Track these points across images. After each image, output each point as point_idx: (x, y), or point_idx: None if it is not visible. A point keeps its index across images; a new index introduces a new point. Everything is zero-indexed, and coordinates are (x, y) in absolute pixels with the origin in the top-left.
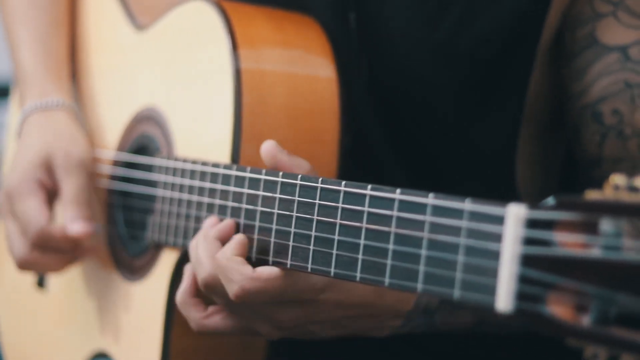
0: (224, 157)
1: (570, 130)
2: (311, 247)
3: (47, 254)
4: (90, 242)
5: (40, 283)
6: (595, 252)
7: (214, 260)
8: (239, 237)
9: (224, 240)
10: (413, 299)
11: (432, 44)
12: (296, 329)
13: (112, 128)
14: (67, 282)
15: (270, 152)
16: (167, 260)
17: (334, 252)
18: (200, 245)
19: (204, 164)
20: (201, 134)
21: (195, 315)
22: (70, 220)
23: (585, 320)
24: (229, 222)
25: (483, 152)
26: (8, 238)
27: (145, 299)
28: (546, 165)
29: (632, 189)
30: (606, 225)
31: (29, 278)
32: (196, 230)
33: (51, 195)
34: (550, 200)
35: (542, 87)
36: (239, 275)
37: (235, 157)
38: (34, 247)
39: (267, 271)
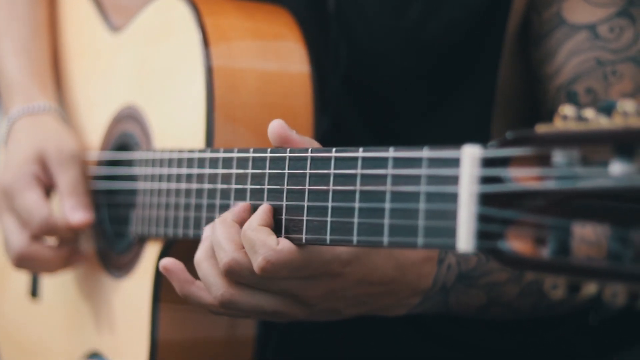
0: (199, 145)
1: (546, 114)
2: (283, 217)
3: (45, 248)
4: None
5: (34, 293)
6: (550, 184)
7: (238, 244)
8: (264, 206)
9: (241, 223)
10: (432, 276)
11: (400, 31)
12: (323, 305)
13: (94, 130)
14: (59, 286)
15: (277, 131)
16: (150, 253)
17: (305, 218)
18: (219, 230)
19: (180, 151)
20: (176, 125)
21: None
22: (71, 210)
23: (545, 252)
24: (244, 204)
25: (456, 137)
26: (5, 234)
27: (132, 295)
28: None
29: (581, 118)
30: (558, 156)
31: (23, 288)
32: (176, 221)
33: (47, 190)
34: (504, 137)
35: (514, 75)
36: (264, 247)
37: (210, 144)
38: (34, 239)
39: (290, 244)
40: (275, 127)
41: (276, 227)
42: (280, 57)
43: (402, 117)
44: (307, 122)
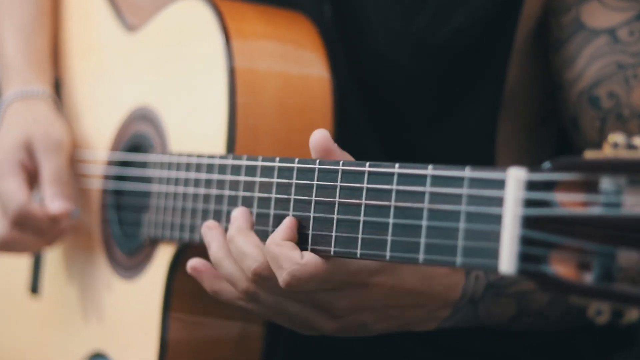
0: (219, 146)
1: (568, 120)
2: (310, 229)
3: (25, 234)
4: (68, 221)
5: (34, 289)
6: (596, 210)
7: (262, 248)
8: (287, 221)
9: (252, 227)
10: (460, 287)
11: (410, 36)
12: (351, 317)
13: (106, 130)
14: (62, 284)
15: (320, 142)
16: (162, 256)
17: (334, 230)
18: (239, 239)
19: (200, 156)
20: (195, 129)
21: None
22: (50, 198)
23: (588, 278)
24: (243, 209)
25: (463, 142)
26: None
27: (142, 296)
28: (535, 159)
29: (631, 146)
30: (606, 183)
31: (23, 284)
32: (192, 226)
33: (32, 177)
34: (550, 163)
35: (524, 79)
36: (288, 261)
37: (231, 150)
38: (13, 226)
39: (315, 257)
40: (318, 138)
41: (302, 239)
42: (301, 64)
43: (410, 123)
44: (325, 128)
